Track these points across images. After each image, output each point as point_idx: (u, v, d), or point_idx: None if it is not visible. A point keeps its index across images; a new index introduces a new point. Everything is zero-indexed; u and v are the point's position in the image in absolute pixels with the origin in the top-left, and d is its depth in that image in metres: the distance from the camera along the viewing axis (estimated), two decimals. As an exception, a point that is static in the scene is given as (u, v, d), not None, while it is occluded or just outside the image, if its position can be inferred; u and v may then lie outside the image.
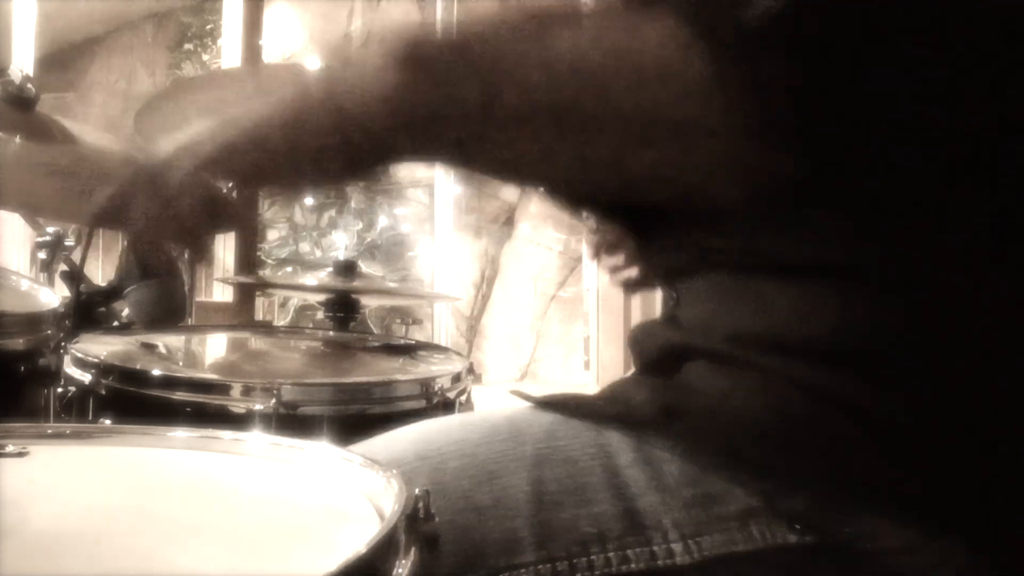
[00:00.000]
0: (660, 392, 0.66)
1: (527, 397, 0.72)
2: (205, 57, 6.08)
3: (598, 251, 1.33)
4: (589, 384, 4.96)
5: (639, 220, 0.70)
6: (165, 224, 0.55)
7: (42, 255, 1.39)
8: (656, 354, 0.70)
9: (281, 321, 5.62)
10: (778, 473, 0.59)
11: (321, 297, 1.80)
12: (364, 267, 1.78)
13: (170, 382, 1.10)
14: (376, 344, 1.67)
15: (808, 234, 0.61)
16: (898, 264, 0.59)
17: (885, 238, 0.59)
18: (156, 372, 1.11)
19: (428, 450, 0.68)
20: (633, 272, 1.22)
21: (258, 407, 1.05)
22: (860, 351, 0.60)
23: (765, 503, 0.59)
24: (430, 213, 6.31)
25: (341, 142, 0.54)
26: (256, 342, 1.63)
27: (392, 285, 2.09)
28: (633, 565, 0.59)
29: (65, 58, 6.01)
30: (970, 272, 0.58)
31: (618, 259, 1.30)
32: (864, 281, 0.60)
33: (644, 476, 0.62)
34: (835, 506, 0.58)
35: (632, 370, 0.80)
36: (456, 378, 1.26)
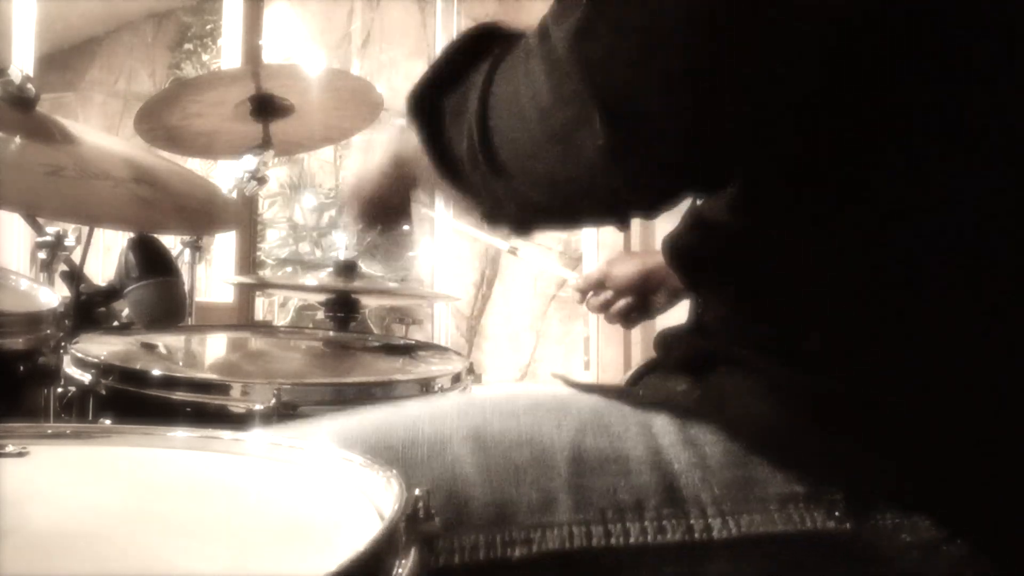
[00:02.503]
0: (697, 385, 0.67)
1: (570, 382, 0.73)
2: (205, 57, 6.06)
3: (584, 295, 1.37)
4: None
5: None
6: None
7: (42, 255, 1.38)
8: (685, 360, 0.71)
9: (281, 321, 5.61)
10: (810, 470, 0.60)
11: (321, 297, 1.80)
12: (364, 267, 1.78)
13: (170, 382, 1.10)
14: (376, 344, 1.67)
15: (808, 239, 0.61)
16: (897, 266, 0.59)
17: (884, 240, 0.59)
18: (156, 372, 1.11)
19: (472, 410, 0.69)
20: (622, 306, 1.26)
21: (258, 407, 1.05)
22: (863, 354, 0.60)
23: (807, 489, 0.59)
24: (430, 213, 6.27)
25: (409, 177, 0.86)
26: (256, 342, 1.63)
27: (392, 285, 2.08)
28: (669, 536, 0.60)
29: (65, 58, 5.99)
30: (970, 272, 0.58)
31: (605, 297, 1.33)
32: (864, 284, 0.60)
33: (686, 455, 0.62)
34: (870, 498, 0.58)
35: (630, 371, 0.80)
36: (456, 378, 1.26)
